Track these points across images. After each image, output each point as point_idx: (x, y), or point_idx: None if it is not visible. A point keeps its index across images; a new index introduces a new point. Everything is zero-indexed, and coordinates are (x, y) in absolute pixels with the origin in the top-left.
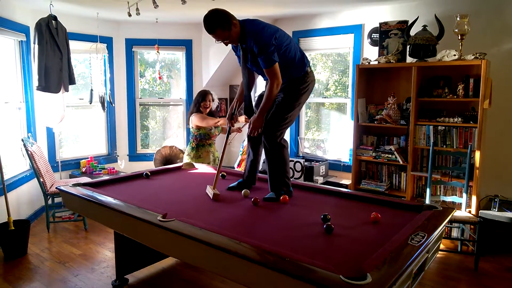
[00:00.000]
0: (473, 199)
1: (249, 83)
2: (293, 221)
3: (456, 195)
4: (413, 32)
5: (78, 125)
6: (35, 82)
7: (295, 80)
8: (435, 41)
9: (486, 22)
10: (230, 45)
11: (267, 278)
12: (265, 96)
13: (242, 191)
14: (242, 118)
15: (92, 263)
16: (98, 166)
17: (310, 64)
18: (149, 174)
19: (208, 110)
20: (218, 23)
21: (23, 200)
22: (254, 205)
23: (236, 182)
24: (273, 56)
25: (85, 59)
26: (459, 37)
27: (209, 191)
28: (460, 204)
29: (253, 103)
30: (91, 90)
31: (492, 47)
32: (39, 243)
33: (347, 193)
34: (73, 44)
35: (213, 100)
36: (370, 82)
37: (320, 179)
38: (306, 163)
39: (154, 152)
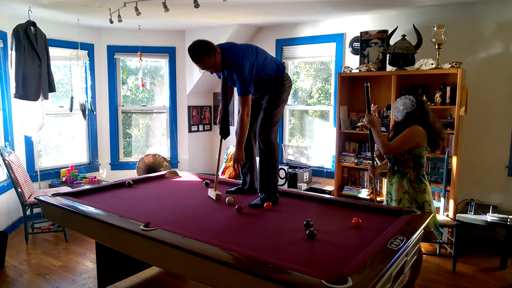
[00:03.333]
0: (450, 203)
1: (227, 103)
2: (277, 228)
3: (434, 199)
4: (392, 41)
5: (58, 134)
6: (12, 89)
7: (275, 84)
8: (413, 50)
9: (462, 32)
10: None
11: (251, 285)
12: (239, 130)
13: (226, 199)
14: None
15: (73, 275)
16: (79, 175)
17: (285, 69)
18: (132, 182)
19: None
20: (203, 52)
21: (0, 211)
22: (238, 212)
23: (235, 188)
24: (249, 87)
25: (65, 66)
26: (436, 47)
27: (211, 193)
28: (439, 208)
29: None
30: (72, 97)
31: (467, 56)
32: (17, 255)
33: (330, 199)
34: (53, 51)
35: None
36: (352, 90)
37: (304, 186)
38: (290, 169)
39: (137, 160)
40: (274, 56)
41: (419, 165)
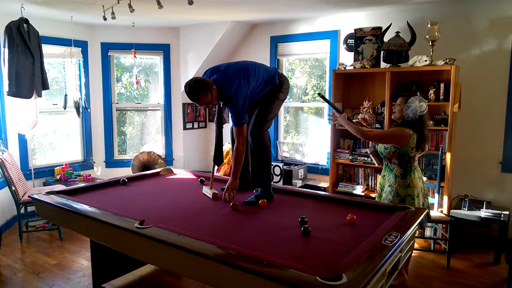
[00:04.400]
0: (444, 199)
1: (221, 132)
2: (272, 225)
3: (429, 195)
4: (386, 38)
5: (52, 132)
6: (5, 87)
7: (271, 88)
8: (407, 47)
9: (455, 29)
10: (207, 51)
11: (245, 282)
12: (233, 159)
13: (211, 193)
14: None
15: (67, 273)
16: (73, 173)
17: (278, 72)
18: (126, 180)
19: None
20: (200, 91)
21: None
22: (233, 210)
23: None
24: (242, 119)
25: (59, 63)
26: (430, 43)
27: (207, 191)
28: (433, 204)
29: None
30: (65, 95)
31: (461, 52)
32: (11, 253)
33: (325, 196)
34: (46, 48)
35: None
36: (346, 87)
37: (299, 183)
38: (285, 166)
39: (132, 158)
40: (269, 54)
41: (404, 162)
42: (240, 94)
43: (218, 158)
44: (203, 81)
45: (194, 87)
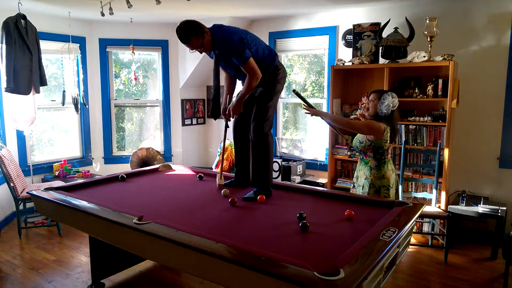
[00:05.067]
0: (442, 195)
1: (218, 83)
2: (270, 220)
3: (426, 191)
4: (385, 34)
5: (50, 128)
6: (3, 83)
7: (268, 74)
8: (406, 43)
9: (454, 25)
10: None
11: (244, 277)
12: (244, 86)
13: (222, 191)
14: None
15: (66, 269)
16: (72, 170)
17: (278, 57)
18: (125, 176)
19: None
20: (191, 33)
21: None
22: (232, 205)
23: (228, 181)
24: (245, 54)
25: (57, 59)
26: (429, 39)
27: (218, 180)
28: (431, 200)
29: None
30: (64, 91)
31: (459, 48)
32: (10, 250)
33: (323, 191)
34: (44, 44)
35: None
36: (345, 83)
37: (297, 178)
38: (283, 162)
39: (131, 154)
40: None
41: (379, 154)
42: (237, 35)
43: (215, 111)
44: (195, 23)
45: (184, 29)
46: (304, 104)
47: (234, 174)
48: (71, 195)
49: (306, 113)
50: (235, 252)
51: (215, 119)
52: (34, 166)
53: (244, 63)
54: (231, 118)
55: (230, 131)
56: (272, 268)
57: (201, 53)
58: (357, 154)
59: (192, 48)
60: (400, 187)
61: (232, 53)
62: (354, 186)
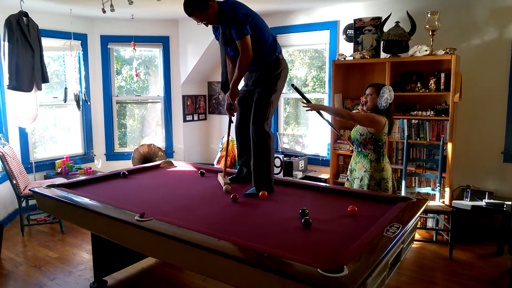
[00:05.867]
0: (446, 190)
1: (225, 57)
2: (272, 217)
3: (430, 186)
4: (386, 28)
5: (52, 125)
6: (5, 81)
7: (267, 65)
8: (407, 37)
9: (455, 19)
10: (207, 43)
11: (246, 275)
12: (237, 69)
13: (224, 187)
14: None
15: (69, 266)
16: (74, 166)
17: (282, 52)
18: (127, 173)
19: None
20: (194, 6)
21: None
22: (234, 202)
23: (231, 176)
24: (244, 29)
25: (58, 56)
26: (430, 33)
27: (221, 179)
28: (434, 195)
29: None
30: (66, 88)
31: (461, 42)
32: (13, 247)
33: (325, 187)
34: (45, 42)
35: None
36: (346, 78)
37: (299, 174)
38: (285, 158)
39: (132, 150)
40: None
41: (378, 147)
42: (246, 11)
43: (225, 85)
44: None
45: (188, 1)
46: (303, 100)
47: (236, 170)
48: (73, 192)
49: (305, 108)
50: (237, 249)
51: (225, 93)
52: (37, 163)
53: (240, 37)
54: (234, 114)
55: (233, 127)
56: (274, 265)
57: (206, 25)
58: (349, 147)
59: (197, 21)
60: (403, 182)
61: (233, 24)
62: (348, 179)
